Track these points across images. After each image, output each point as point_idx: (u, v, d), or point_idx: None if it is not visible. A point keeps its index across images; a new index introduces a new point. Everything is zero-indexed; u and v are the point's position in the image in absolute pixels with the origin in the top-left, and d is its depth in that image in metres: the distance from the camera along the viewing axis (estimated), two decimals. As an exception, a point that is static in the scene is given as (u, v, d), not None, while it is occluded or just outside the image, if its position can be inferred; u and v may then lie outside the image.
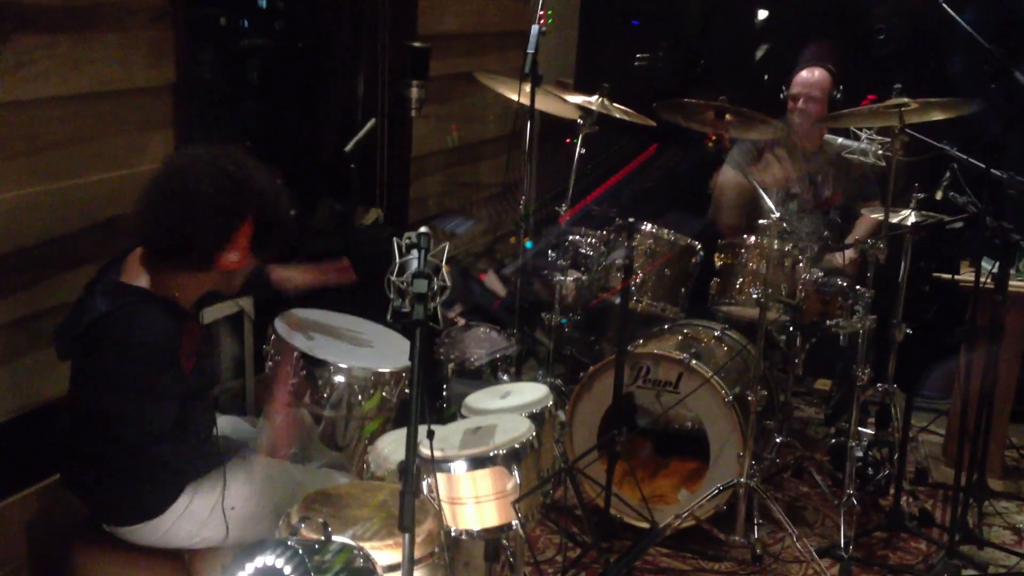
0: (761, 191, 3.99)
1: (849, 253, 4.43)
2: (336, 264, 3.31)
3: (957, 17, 3.89)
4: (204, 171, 2.57)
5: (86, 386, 2.66)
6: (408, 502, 2.06)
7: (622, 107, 4.37)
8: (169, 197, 2.55)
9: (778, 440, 4.31)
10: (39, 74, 2.95)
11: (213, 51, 4.31)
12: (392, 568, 2.38)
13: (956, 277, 4.41)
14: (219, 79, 4.40)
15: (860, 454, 4.13)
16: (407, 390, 3.01)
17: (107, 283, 2.62)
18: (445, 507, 2.65)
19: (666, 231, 4.12)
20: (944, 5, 3.90)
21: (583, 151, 4.36)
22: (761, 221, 3.88)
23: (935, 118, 3.99)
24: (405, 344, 3.04)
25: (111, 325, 2.54)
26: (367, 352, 3.18)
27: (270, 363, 3.11)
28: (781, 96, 4.74)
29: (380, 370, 3.04)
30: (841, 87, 4.70)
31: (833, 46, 5.30)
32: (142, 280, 2.62)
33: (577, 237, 4.16)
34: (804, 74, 4.74)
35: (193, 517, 2.69)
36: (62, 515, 3.02)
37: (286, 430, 2.81)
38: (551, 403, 3.07)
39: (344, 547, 2.28)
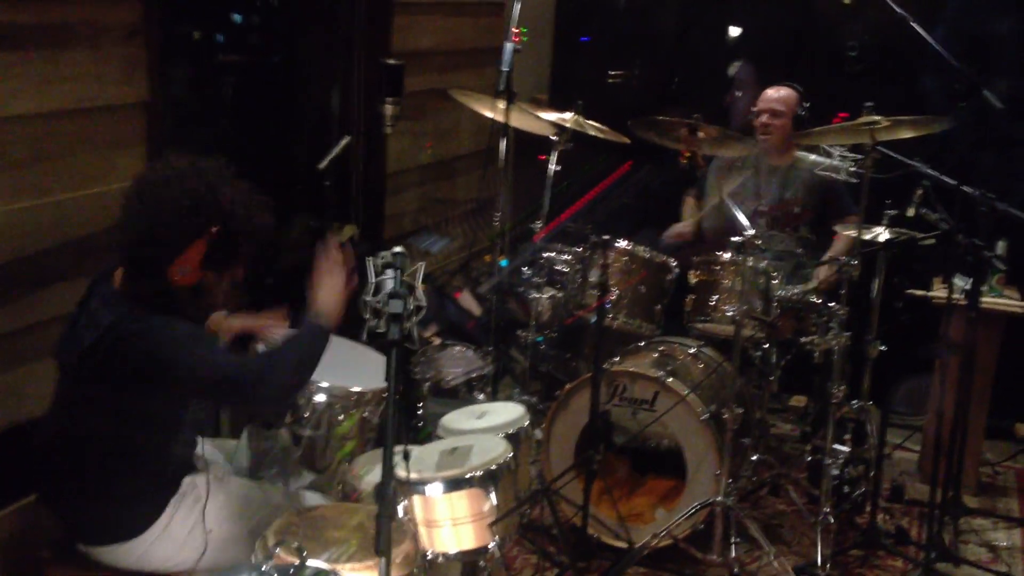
0: (734, 208, 4.00)
1: (824, 271, 4.44)
2: (275, 312, 3.27)
3: (927, 36, 3.92)
4: (169, 181, 2.56)
5: (98, 407, 2.60)
6: (384, 525, 2.04)
7: (596, 124, 4.38)
8: (134, 202, 2.57)
9: (754, 458, 4.31)
10: (11, 92, 2.93)
11: (187, 68, 4.29)
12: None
13: (929, 294, 4.44)
14: (193, 96, 4.38)
15: (836, 472, 4.13)
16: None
17: (104, 296, 2.60)
18: (422, 529, 2.63)
19: (641, 248, 4.12)
20: (914, 24, 3.94)
21: (558, 168, 4.37)
22: (735, 238, 3.89)
23: (906, 135, 4.02)
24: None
25: (121, 331, 2.52)
26: (347, 371, 3.15)
27: None
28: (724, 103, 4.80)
29: (358, 389, 3.02)
30: (807, 104, 4.76)
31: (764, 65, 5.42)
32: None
33: (552, 254, 4.15)
34: (769, 91, 4.82)
35: (171, 538, 2.67)
36: (35, 538, 2.99)
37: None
38: (527, 423, 3.06)
39: (319, 572, 2.26)
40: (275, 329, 3.14)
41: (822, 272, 4.47)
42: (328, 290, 2.74)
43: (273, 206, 2.72)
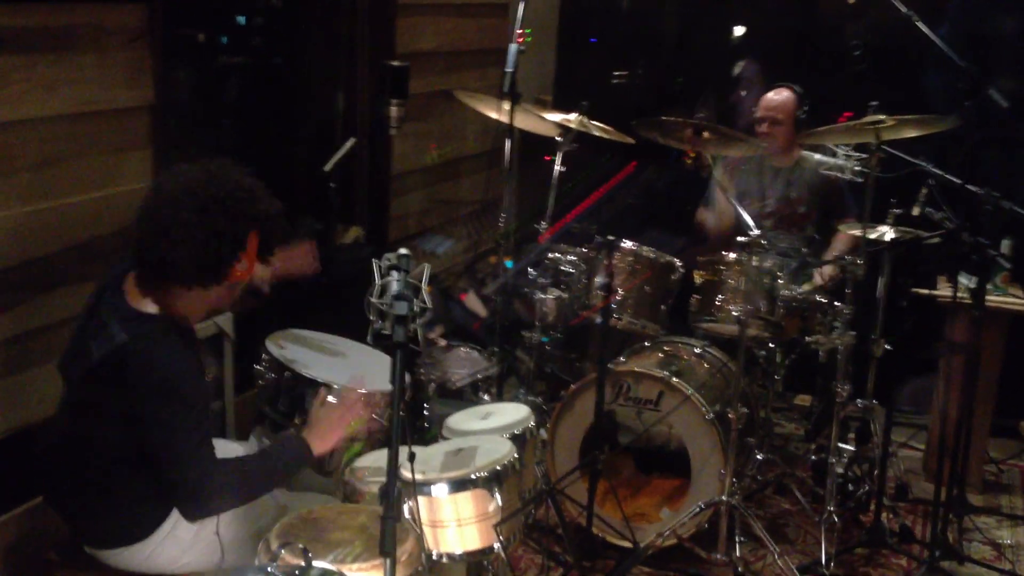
0: (740, 208, 4.01)
1: (828, 270, 4.44)
2: (302, 248, 3.29)
3: (932, 35, 3.92)
4: (211, 180, 2.54)
5: (105, 416, 2.58)
6: (389, 526, 2.04)
7: (601, 125, 4.38)
8: (180, 209, 2.50)
9: (759, 457, 4.32)
10: (16, 96, 2.94)
11: (191, 70, 4.30)
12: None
13: (934, 293, 4.43)
14: (197, 98, 4.39)
15: (841, 470, 4.14)
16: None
17: (117, 309, 2.56)
18: (427, 530, 2.63)
19: (646, 249, 4.13)
20: (919, 23, 3.93)
21: (563, 169, 4.37)
22: (740, 238, 3.89)
23: (911, 135, 4.02)
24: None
25: (134, 357, 2.48)
26: (355, 373, 3.15)
27: (260, 382, 3.09)
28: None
29: (366, 391, 3.03)
30: (806, 107, 4.77)
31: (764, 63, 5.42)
32: (149, 305, 2.57)
33: (557, 255, 4.16)
34: (769, 95, 4.83)
35: (177, 541, 2.67)
36: (43, 539, 3.00)
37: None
38: (532, 423, 3.07)
39: (324, 572, 2.27)
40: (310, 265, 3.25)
41: (824, 272, 4.48)
42: (333, 432, 2.78)
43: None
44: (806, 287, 4.23)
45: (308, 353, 3.16)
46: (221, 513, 2.64)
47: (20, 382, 3.08)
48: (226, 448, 3.06)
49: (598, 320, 3.78)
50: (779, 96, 4.80)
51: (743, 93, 5.77)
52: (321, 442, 2.75)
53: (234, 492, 2.60)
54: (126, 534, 2.65)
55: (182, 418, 2.50)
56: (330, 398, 2.84)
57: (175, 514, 2.65)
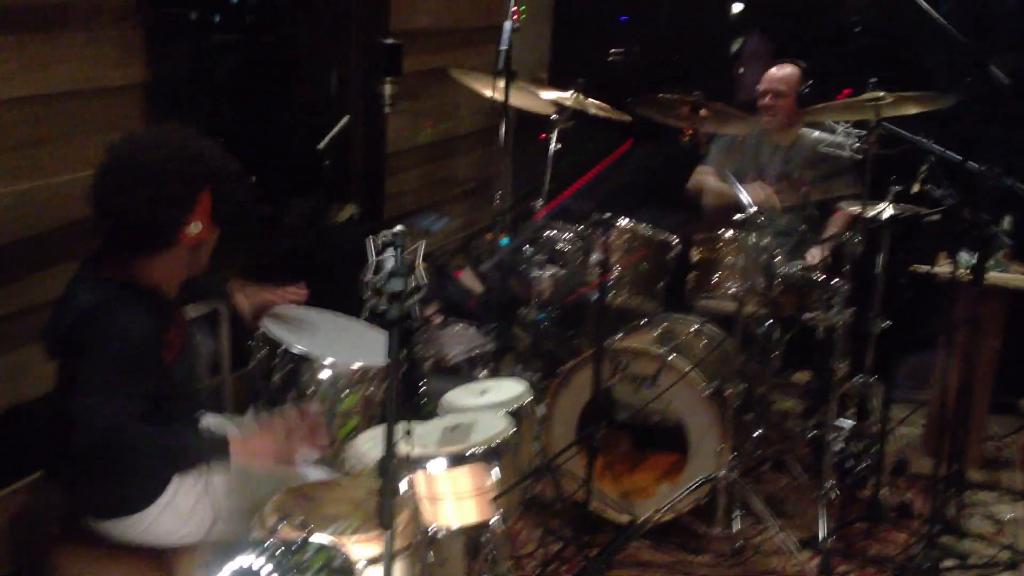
0: (737, 185, 3.99)
1: (820, 251, 4.42)
2: (296, 288, 3.27)
3: (932, 11, 3.90)
4: (153, 145, 2.54)
5: (72, 381, 2.59)
6: (388, 499, 2.05)
7: (597, 102, 4.36)
8: (122, 176, 2.51)
9: (757, 433, 4.31)
10: (7, 74, 2.93)
11: (183, 49, 4.28)
12: (376, 561, 2.37)
13: (933, 269, 4.42)
14: (189, 77, 4.37)
15: (839, 447, 4.14)
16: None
17: (86, 279, 2.59)
18: (425, 504, 2.64)
19: (643, 226, 4.12)
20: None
21: (558, 146, 4.36)
22: (737, 215, 3.88)
23: (911, 111, 4.00)
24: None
25: (93, 319, 2.50)
26: (352, 348, 3.16)
27: (256, 359, 3.08)
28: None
29: (362, 365, 3.03)
30: (810, 82, 4.74)
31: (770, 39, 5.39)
32: (117, 273, 2.58)
33: (554, 232, 4.15)
34: (773, 70, 4.80)
35: (175, 512, 2.67)
36: (43, 513, 3.00)
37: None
38: (529, 399, 3.07)
39: (323, 546, 2.27)
40: (292, 300, 3.18)
41: (815, 253, 4.46)
42: (261, 454, 2.60)
43: (265, 187, 2.70)
44: (799, 263, 4.21)
45: (302, 329, 3.16)
46: (97, 468, 2.54)
47: (17, 358, 3.09)
48: (221, 424, 3.06)
49: (595, 297, 3.77)
50: (783, 70, 4.77)
51: (741, 70, 5.76)
52: (245, 456, 2.60)
53: (127, 454, 2.50)
54: (125, 505, 2.66)
55: (113, 356, 2.47)
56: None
57: (173, 486, 2.65)
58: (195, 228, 2.58)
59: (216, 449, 2.61)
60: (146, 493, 2.65)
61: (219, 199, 2.61)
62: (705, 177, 4.95)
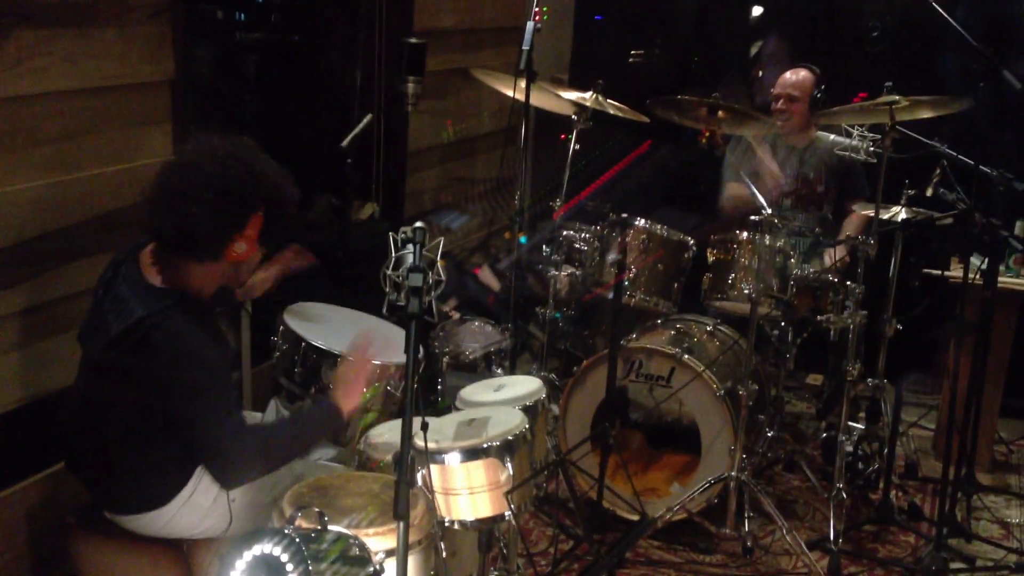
0: (753, 188, 4.03)
1: (838, 251, 4.46)
2: (289, 251, 3.32)
3: (948, 16, 3.93)
4: (217, 159, 2.56)
5: (130, 387, 2.61)
6: (403, 491, 2.09)
7: (616, 103, 4.40)
8: (181, 184, 2.54)
9: (769, 434, 4.35)
10: (39, 69, 2.97)
11: (211, 46, 4.33)
12: (391, 553, 2.42)
13: (946, 273, 4.45)
14: (217, 74, 4.43)
15: (850, 448, 4.16)
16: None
17: (134, 284, 2.61)
18: (439, 497, 2.68)
19: (659, 227, 4.14)
20: (935, 4, 3.94)
21: (577, 147, 4.39)
22: (753, 217, 3.92)
23: (925, 115, 4.02)
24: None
25: (155, 331, 2.52)
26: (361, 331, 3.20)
27: (277, 354, 3.14)
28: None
29: (380, 362, 3.07)
30: (823, 87, 4.78)
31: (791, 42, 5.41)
32: (163, 278, 2.61)
33: (571, 232, 4.19)
34: (787, 75, 4.85)
35: (195, 507, 2.71)
36: (63, 504, 3.06)
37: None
38: (544, 396, 3.10)
39: (340, 536, 2.31)
40: (295, 265, 3.29)
41: (833, 254, 4.49)
42: (354, 387, 2.84)
43: (294, 180, 2.75)
44: (815, 265, 4.25)
45: (323, 325, 3.21)
46: (256, 478, 2.70)
47: (42, 350, 3.13)
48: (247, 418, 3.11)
49: (610, 297, 3.81)
50: (797, 75, 4.81)
51: (760, 73, 5.78)
52: (347, 399, 2.80)
53: (265, 456, 2.65)
54: (146, 500, 2.70)
55: (207, 385, 2.54)
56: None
57: (194, 481, 2.70)
58: (240, 248, 2.62)
59: (330, 414, 2.77)
60: (167, 489, 2.69)
61: (269, 223, 2.64)
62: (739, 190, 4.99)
